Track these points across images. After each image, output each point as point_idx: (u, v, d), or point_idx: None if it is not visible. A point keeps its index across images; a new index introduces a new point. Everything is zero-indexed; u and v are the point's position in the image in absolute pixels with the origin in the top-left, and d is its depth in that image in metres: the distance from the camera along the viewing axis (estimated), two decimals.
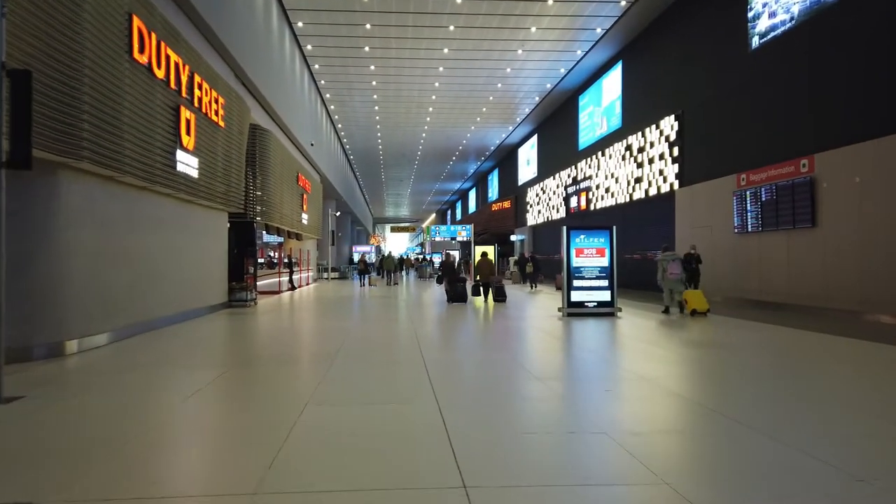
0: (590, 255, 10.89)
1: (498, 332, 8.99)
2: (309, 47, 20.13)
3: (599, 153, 22.60)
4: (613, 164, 21.25)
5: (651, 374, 5.49)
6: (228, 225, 14.16)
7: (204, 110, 10.08)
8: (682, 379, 5.45)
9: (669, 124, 17.15)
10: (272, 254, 27.25)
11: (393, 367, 5.83)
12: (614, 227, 10.92)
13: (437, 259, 38.18)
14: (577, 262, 10.86)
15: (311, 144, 22.23)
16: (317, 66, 22.10)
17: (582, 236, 10.88)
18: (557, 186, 27.95)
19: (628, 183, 19.92)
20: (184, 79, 9.09)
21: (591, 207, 23.37)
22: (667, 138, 17.32)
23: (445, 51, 20.40)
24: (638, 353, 6.87)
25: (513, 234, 36.58)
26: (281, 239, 23.42)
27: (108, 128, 6.85)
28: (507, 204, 37.92)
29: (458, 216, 63.17)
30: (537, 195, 31.64)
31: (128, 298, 7.95)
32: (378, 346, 7.41)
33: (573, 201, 25.60)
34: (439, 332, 9.17)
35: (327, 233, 30.11)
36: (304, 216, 21.50)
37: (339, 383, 5.07)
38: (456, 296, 14.48)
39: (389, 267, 25.85)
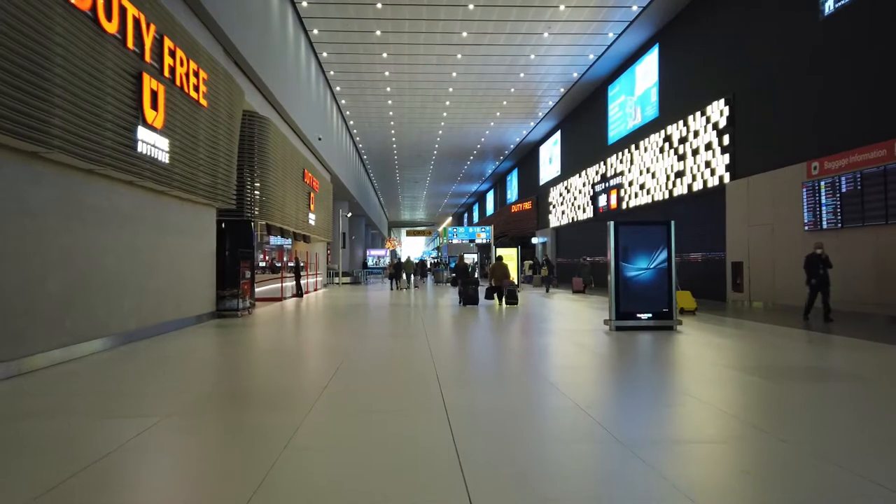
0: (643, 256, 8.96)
1: (539, 355, 7.13)
2: (315, 31, 18.50)
3: (633, 146, 20.60)
4: (649, 158, 19.24)
5: (782, 429, 3.60)
6: (224, 225, 12.62)
7: (178, 83, 8.40)
8: (836, 436, 3.53)
9: (718, 110, 15.14)
10: (279, 257, 25.80)
11: (399, 422, 3.98)
12: (672, 223, 9.00)
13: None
14: (627, 264, 8.95)
15: (319, 139, 20.59)
16: (325, 55, 20.47)
17: (633, 234, 8.97)
18: (584, 185, 25.97)
19: (667, 178, 17.90)
20: (147, 40, 7.41)
21: (623, 206, 21.37)
22: (715, 126, 15.30)
23: (464, 34, 18.62)
24: (739, 390, 4.97)
25: (534, 236, 34.63)
26: (289, 241, 21.85)
27: (24, 85, 5.16)
28: (527, 205, 36.00)
29: (476, 219, 61.32)
30: (561, 195, 29.67)
31: (67, 312, 6.26)
32: (382, 378, 5.60)
33: (602, 200, 23.62)
34: (463, 355, 7.34)
35: (338, 235, 28.47)
36: (312, 216, 19.85)
37: (309, 461, 3.18)
38: (468, 298, 14.73)
39: (409, 270, 26.05)
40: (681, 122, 17.06)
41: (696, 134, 16.27)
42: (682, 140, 16.98)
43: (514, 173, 41.79)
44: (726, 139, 14.80)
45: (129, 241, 7.69)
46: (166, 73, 7.97)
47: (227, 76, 10.81)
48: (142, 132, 7.31)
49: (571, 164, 28.14)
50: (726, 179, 14.77)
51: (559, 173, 30.31)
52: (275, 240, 25.12)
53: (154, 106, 7.60)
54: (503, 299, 14.57)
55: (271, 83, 14.26)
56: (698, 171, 16.14)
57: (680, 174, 17.14)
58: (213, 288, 11.07)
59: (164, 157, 7.98)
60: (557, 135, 30.59)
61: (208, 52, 9.76)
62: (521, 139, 33.75)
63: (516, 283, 21.08)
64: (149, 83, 7.43)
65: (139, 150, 7.26)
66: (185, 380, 5.46)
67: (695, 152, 16.32)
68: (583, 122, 26.71)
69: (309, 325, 10.73)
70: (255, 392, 4.88)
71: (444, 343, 7.97)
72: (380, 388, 4.98)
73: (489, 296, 15.45)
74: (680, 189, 17.14)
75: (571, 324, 10.54)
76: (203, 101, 9.36)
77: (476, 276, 26.41)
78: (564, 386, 4.96)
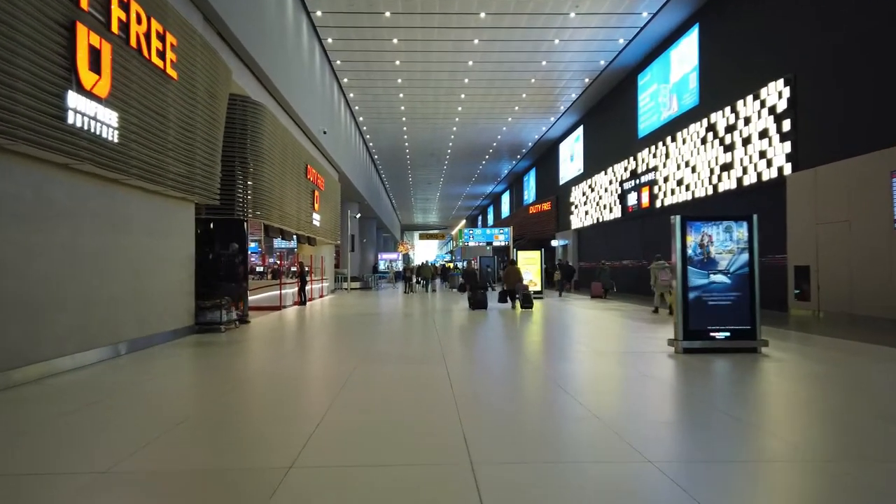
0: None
1: (602, 394, 5.30)
2: (319, 14, 16.88)
3: (668, 139, 18.67)
4: (688, 151, 17.31)
5: None
6: (212, 224, 11.08)
7: (135, 44, 6.75)
8: None
9: (776, 92, 13.19)
10: (280, 262, 24.30)
11: None
12: (755, 217, 7.14)
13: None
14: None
15: (324, 132, 18.96)
16: (329, 40, 18.84)
17: (705, 231, 7.13)
18: (610, 183, 24.05)
19: (711, 171, 15.96)
20: None
21: (657, 204, 19.43)
22: (772, 110, 13.36)
23: (482, 15, 16.88)
24: None
25: (553, 238, 32.69)
26: (294, 244, 20.28)
27: None
28: (546, 206, 34.07)
29: (490, 221, 59.46)
30: (584, 194, 27.74)
31: None
32: (383, 444, 3.81)
33: (631, 198, 21.68)
34: (498, 397, 5.52)
35: (347, 238, 26.82)
36: (316, 217, 18.20)
37: None
38: (477, 303, 14.70)
39: (427, 275, 26.43)
40: (727, 109, 15.13)
41: (747, 121, 14.32)
42: (730, 129, 15.04)
43: (532, 173, 39.91)
44: (786, 125, 12.85)
45: (69, 242, 6.04)
46: (115, 29, 6.32)
47: (207, 47, 9.16)
48: (75, 99, 5.64)
49: (596, 161, 26.23)
50: (787, 171, 12.81)
51: (581, 171, 28.39)
52: (278, 242, 23.60)
53: (95, 68, 5.94)
54: (518, 303, 14.78)
55: (267, 65, 12.63)
56: (750, 162, 14.19)
57: (727, 167, 15.20)
58: (192, 297, 9.41)
59: (112, 135, 6.32)
60: (579, 130, 28.69)
61: (179, 14, 8.10)
62: (540, 136, 31.91)
63: (539, 287, 19.33)
64: (86, 37, 5.77)
65: (71, 121, 5.59)
66: (97, 444, 3.74)
67: (746, 142, 14.37)
68: (609, 115, 24.81)
69: (302, 344, 9.00)
70: (189, 473, 3.14)
71: (467, 374, 6.16)
72: (379, 467, 3.21)
73: (502, 299, 15.65)
74: (727, 184, 15.20)
75: (620, 342, 8.69)
76: (171, 72, 7.71)
77: (492, 280, 24.95)
78: (662, 460, 3.15)
